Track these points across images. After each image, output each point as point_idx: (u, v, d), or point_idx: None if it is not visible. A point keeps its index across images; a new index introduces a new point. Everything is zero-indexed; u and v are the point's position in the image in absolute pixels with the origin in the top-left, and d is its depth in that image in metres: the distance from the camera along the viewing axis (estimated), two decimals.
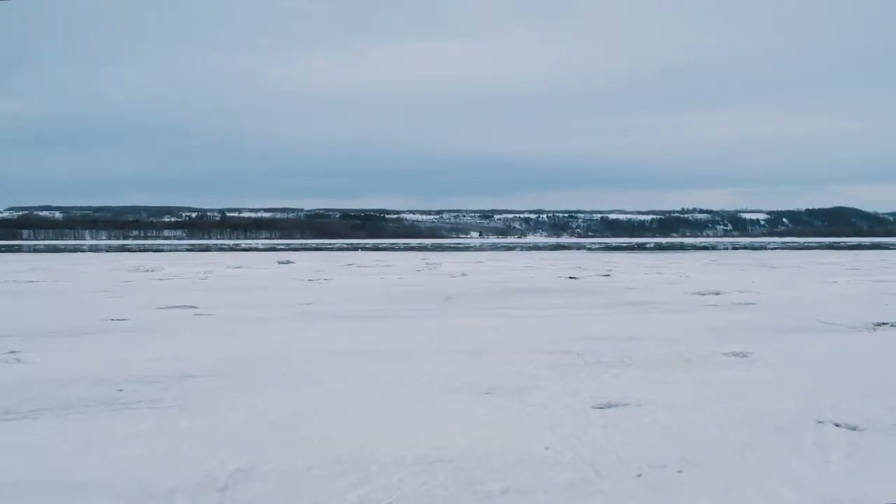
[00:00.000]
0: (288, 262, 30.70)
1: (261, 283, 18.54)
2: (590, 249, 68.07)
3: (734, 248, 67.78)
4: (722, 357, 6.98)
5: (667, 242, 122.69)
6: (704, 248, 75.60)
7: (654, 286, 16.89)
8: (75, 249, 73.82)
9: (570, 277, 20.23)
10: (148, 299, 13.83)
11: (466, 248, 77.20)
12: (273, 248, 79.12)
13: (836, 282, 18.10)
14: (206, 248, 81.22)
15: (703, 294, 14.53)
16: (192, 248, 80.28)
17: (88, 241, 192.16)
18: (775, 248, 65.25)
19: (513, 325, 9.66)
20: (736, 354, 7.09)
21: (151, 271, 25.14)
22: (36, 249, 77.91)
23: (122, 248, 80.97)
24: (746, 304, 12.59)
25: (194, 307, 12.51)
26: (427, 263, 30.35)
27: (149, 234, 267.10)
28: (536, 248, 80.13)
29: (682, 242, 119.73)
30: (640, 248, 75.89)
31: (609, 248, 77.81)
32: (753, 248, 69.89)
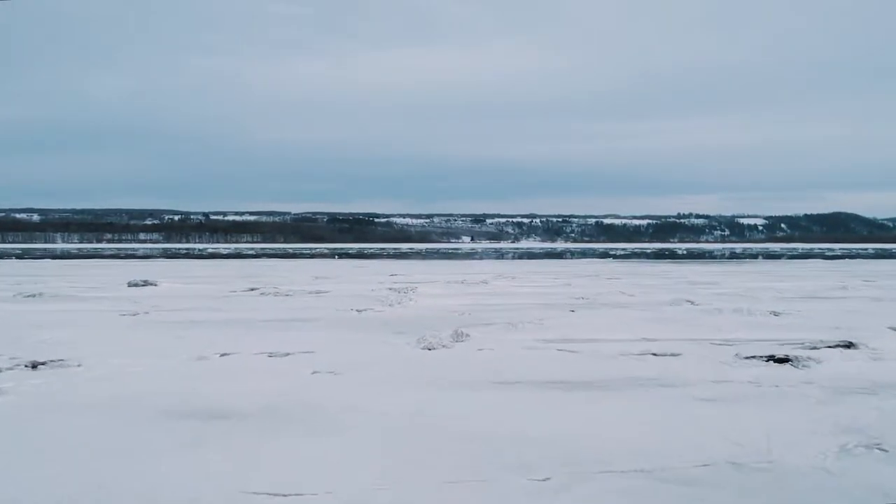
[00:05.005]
0: (146, 284, 17.29)
1: None
2: (615, 257, 54.38)
3: (791, 257, 54.64)
4: None
5: (697, 249, 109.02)
6: (734, 256, 62.52)
7: None
8: None
9: (778, 360, 6.91)
10: None
11: (460, 255, 63.80)
12: (238, 255, 66.04)
13: None
14: (152, 256, 67.86)
15: None
16: (121, 255, 66.87)
17: (59, 245, 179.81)
18: (837, 258, 52.13)
19: None
20: None
21: None
22: None
23: (19, 255, 67.34)
24: None
25: None
26: (393, 289, 16.97)
27: (123, 238, 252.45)
28: (548, 254, 66.14)
29: (726, 250, 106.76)
30: (672, 255, 62.73)
31: (633, 254, 64.23)
32: (811, 255, 56.79)
